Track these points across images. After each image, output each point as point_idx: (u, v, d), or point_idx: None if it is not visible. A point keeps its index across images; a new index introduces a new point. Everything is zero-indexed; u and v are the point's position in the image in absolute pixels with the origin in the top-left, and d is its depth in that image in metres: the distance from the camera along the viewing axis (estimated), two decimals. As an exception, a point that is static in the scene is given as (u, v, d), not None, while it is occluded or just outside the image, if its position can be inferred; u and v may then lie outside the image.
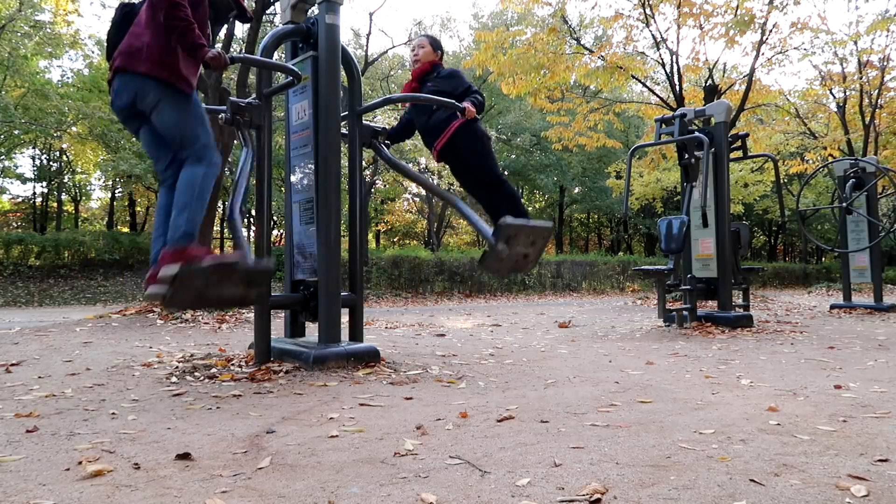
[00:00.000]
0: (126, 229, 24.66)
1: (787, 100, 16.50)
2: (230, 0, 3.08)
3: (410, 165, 21.72)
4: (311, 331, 3.68)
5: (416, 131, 4.14)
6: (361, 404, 2.47)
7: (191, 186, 2.74)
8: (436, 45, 4.06)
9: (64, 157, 23.26)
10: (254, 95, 3.44)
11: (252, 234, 6.36)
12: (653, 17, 11.04)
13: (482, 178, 3.87)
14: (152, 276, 2.66)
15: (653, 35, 11.36)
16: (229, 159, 9.65)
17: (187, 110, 2.77)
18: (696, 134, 5.72)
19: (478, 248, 29.46)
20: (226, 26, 9.85)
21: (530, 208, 33.11)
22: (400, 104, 4.26)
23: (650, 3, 10.77)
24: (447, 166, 4.06)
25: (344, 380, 2.93)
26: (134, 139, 19.30)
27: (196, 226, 2.76)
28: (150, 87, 2.70)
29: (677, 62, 11.63)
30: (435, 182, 23.03)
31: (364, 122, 3.76)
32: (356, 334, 3.61)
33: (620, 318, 7.69)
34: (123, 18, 2.87)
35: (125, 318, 5.38)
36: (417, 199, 27.52)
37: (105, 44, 2.93)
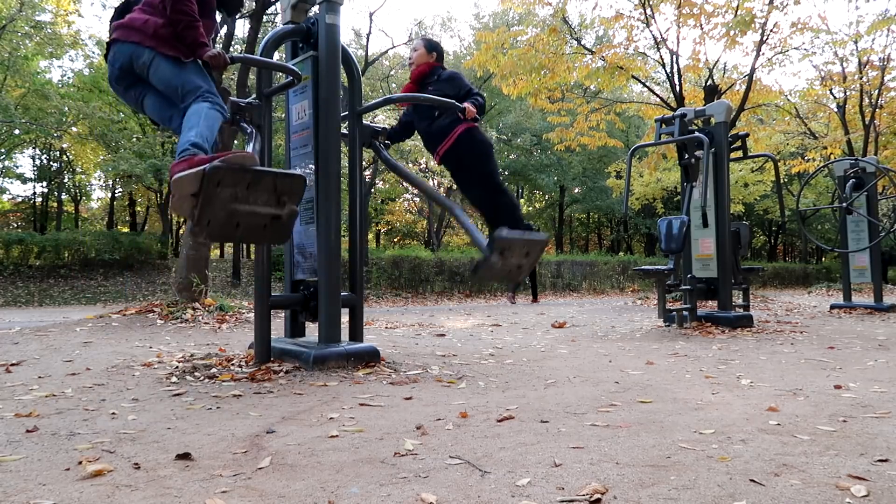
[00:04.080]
0: (126, 229, 24.68)
1: (788, 100, 16.51)
2: None
3: (411, 166, 21.73)
4: (311, 331, 3.68)
5: (416, 131, 4.13)
6: (361, 404, 2.47)
7: (196, 113, 2.64)
8: (430, 46, 4.03)
9: (64, 157, 23.27)
10: (254, 95, 3.44)
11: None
12: (653, 18, 11.05)
13: (482, 185, 3.81)
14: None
15: (653, 35, 11.38)
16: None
17: (183, 64, 2.74)
18: (696, 134, 5.72)
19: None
20: (226, 26, 9.87)
21: (530, 208, 33.12)
22: (400, 104, 4.26)
23: (651, 3, 10.77)
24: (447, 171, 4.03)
25: (344, 380, 2.93)
26: (134, 139, 19.31)
27: (206, 141, 2.60)
28: (143, 49, 2.71)
29: (677, 62, 11.64)
30: (436, 184, 23.01)
31: (364, 122, 3.76)
32: (356, 334, 3.61)
33: (620, 318, 7.69)
34: (125, 7, 2.91)
35: (125, 318, 5.37)
36: (417, 199, 27.49)
37: (105, 43, 2.96)
